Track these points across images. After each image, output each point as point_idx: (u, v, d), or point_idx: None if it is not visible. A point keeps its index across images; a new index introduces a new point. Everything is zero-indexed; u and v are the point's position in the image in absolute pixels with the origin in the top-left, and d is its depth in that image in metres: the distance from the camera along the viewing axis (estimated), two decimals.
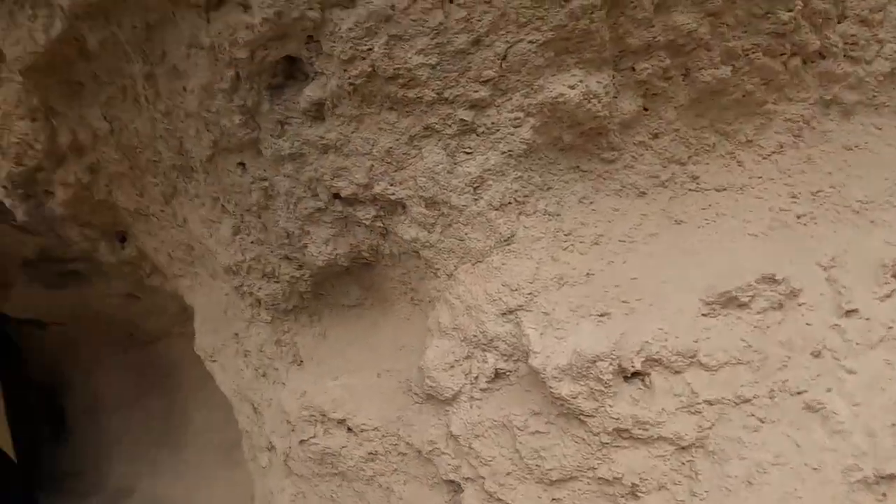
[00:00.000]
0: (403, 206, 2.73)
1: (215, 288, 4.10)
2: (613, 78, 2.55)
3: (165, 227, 4.05)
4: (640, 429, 2.28)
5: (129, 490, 9.31)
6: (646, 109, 2.69)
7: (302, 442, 3.09)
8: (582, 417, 2.28)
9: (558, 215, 2.64)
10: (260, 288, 3.50)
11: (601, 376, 2.24)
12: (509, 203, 2.59)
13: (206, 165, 3.34)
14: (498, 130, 2.54)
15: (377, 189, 2.73)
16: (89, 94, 3.45)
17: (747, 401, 2.34)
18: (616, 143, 2.70)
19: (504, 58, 2.39)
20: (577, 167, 2.71)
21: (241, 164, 3.22)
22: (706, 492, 2.31)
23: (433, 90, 2.46)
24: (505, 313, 2.46)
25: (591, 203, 2.69)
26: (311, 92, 2.69)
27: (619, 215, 2.69)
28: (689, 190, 2.79)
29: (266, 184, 3.16)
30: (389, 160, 2.67)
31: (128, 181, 3.90)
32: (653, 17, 2.41)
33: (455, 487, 2.64)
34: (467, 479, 2.55)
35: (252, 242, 3.42)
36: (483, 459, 2.47)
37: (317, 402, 3.06)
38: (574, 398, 2.27)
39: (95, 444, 10.29)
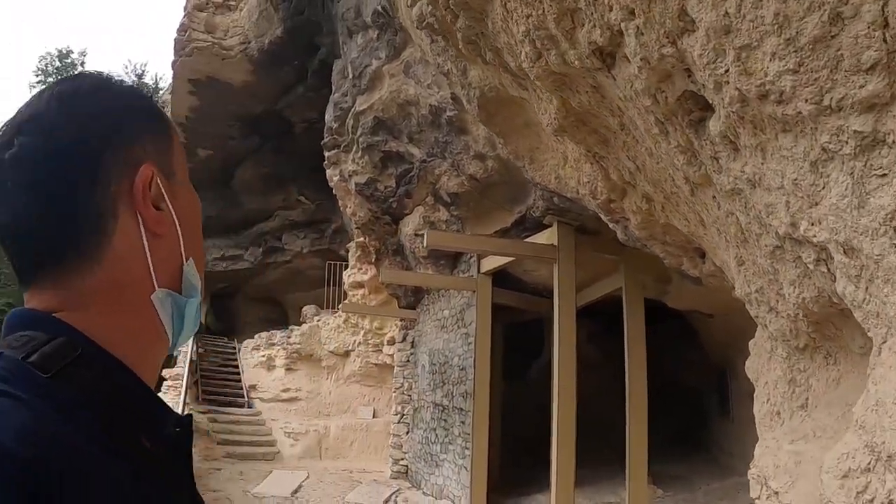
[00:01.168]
0: (829, 252, 2.11)
1: None
2: None
3: (714, 247, 3.98)
4: None
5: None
6: None
7: (756, 498, 2.69)
8: None
9: None
10: (769, 322, 3.17)
11: None
12: None
13: (691, 199, 3.23)
14: None
15: (801, 230, 2.21)
16: (612, 140, 3.74)
17: None
18: None
19: (884, 24, 1.61)
20: None
21: (714, 198, 3.02)
22: None
23: (808, 100, 1.85)
24: None
25: None
26: (713, 125, 2.41)
27: None
28: None
29: (735, 217, 2.88)
30: (800, 193, 2.14)
31: (671, 207, 4.01)
32: None
33: None
34: None
35: (753, 274, 3.14)
36: None
37: (764, 462, 2.62)
38: None
39: (750, 429, 10.22)
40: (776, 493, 2.45)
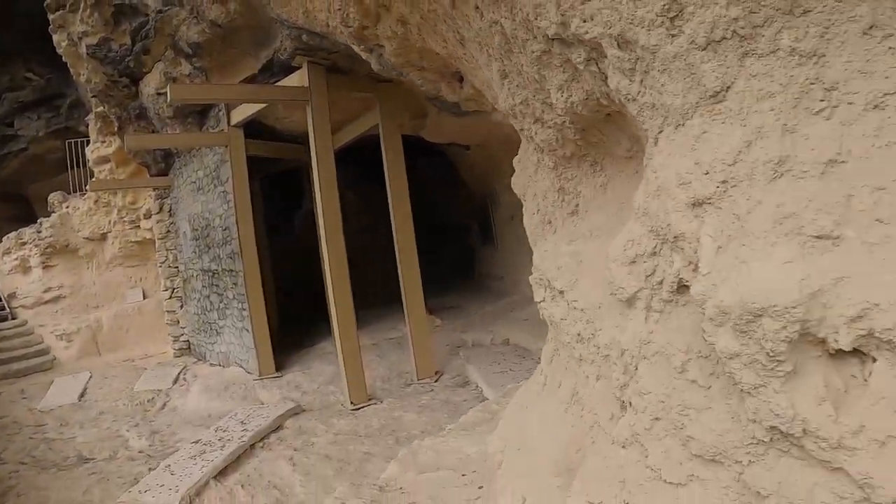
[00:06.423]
0: (602, 48, 2.08)
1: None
2: None
3: (474, 68, 3.92)
4: (814, 444, 1.44)
5: (532, 300, 10.15)
6: None
7: (538, 302, 2.83)
8: (742, 390, 1.52)
9: (822, 57, 1.62)
10: (536, 132, 3.19)
11: (766, 343, 1.43)
12: (724, 39, 1.71)
13: (451, 13, 3.08)
14: None
15: (573, 28, 2.15)
16: None
17: None
18: None
19: None
20: None
21: (477, 7, 2.89)
22: None
23: None
24: (694, 204, 1.72)
25: (888, 37, 1.56)
26: None
27: None
28: None
29: (499, 26, 2.78)
30: None
31: (428, 28, 3.85)
32: None
33: (622, 407, 2.10)
34: (628, 404, 2.00)
35: (517, 86, 3.10)
36: (641, 390, 1.88)
37: (545, 265, 2.73)
38: (730, 359, 1.50)
39: (514, 253, 11.26)
40: (561, 292, 2.56)
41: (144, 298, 13.90)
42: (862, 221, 1.47)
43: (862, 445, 1.38)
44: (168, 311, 12.38)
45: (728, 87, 1.73)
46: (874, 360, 1.41)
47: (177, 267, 12.16)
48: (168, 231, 12.17)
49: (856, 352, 1.44)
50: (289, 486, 5.50)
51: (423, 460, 3.86)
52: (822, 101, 1.62)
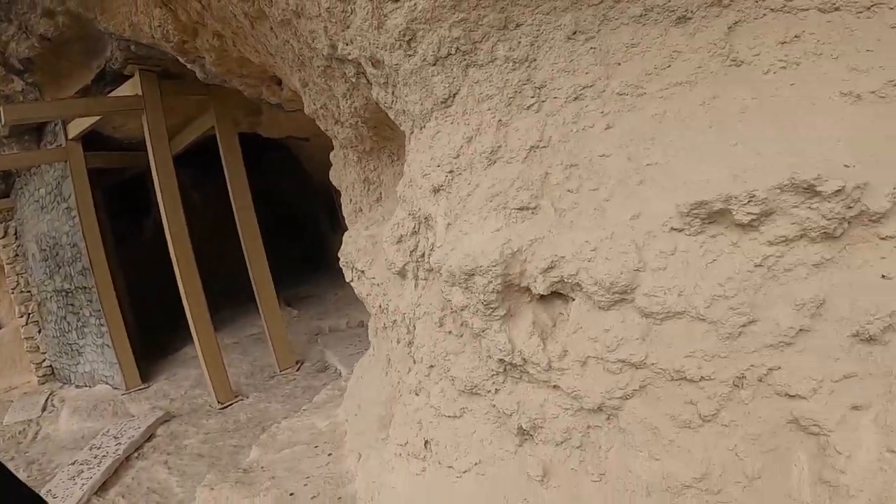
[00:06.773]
0: (363, 66, 2.47)
1: None
2: None
3: (285, 74, 4.22)
4: (533, 369, 1.84)
5: None
6: None
7: (350, 281, 3.21)
8: (475, 334, 1.96)
9: (533, 61, 2.00)
10: (337, 132, 3.55)
11: (480, 295, 1.84)
12: (450, 54, 2.10)
13: (254, 32, 3.37)
14: None
15: (339, 50, 2.52)
16: None
17: (695, 381, 1.59)
18: None
19: None
20: None
21: (271, 29, 3.20)
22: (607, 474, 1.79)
23: None
24: (434, 191, 2.14)
25: (590, 39, 1.96)
26: None
27: (632, 55, 1.92)
28: (771, 10, 1.80)
29: (290, 45, 3.11)
30: (334, 20, 2.42)
31: (241, 41, 4.10)
32: None
33: (413, 361, 2.54)
34: (414, 359, 2.43)
35: (316, 93, 3.45)
36: (419, 345, 2.31)
37: (348, 249, 3.12)
38: (462, 310, 1.93)
39: None
40: (362, 271, 2.95)
41: (1, 328, 13.25)
42: (555, 193, 1.91)
43: (568, 366, 1.83)
44: (27, 338, 11.88)
45: (455, 94, 2.15)
46: (573, 299, 1.87)
47: (29, 291, 11.69)
48: (16, 255, 11.66)
49: (560, 294, 1.90)
50: (167, 488, 5.66)
51: (281, 440, 4.18)
52: (532, 97, 2.05)
